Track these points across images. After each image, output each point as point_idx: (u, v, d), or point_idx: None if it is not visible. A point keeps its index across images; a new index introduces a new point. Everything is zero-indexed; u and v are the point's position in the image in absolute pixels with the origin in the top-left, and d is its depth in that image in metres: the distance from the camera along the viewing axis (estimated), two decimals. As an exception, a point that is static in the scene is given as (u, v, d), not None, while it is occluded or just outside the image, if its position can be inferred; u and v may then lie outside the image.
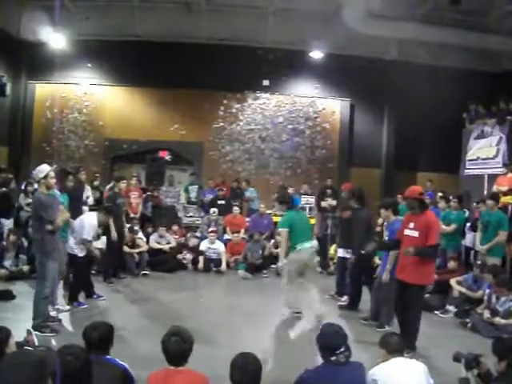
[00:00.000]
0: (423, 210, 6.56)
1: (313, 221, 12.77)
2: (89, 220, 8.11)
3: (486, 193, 11.84)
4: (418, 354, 5.99)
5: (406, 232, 6.57)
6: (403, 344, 4.19)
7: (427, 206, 6.89)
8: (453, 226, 9.94)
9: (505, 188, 10.78)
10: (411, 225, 6.52)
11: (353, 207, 8.72)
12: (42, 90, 15.94)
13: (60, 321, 7.04)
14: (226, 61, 15.00)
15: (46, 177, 6.62)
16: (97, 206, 10.08)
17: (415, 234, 6.42)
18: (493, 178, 11.80)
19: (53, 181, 6.76)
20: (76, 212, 8.64)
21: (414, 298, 6.53)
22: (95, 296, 8.38)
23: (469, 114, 14.27)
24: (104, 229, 9.26)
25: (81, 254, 8.03)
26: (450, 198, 10.66)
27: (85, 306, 7.91)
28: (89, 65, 15.69)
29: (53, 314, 7.06)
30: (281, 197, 8.82)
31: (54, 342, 5.69)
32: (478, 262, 8.85)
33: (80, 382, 2.91)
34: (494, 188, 11.02)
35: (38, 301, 6.64)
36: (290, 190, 13.44)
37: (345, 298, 8.90)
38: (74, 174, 9.73)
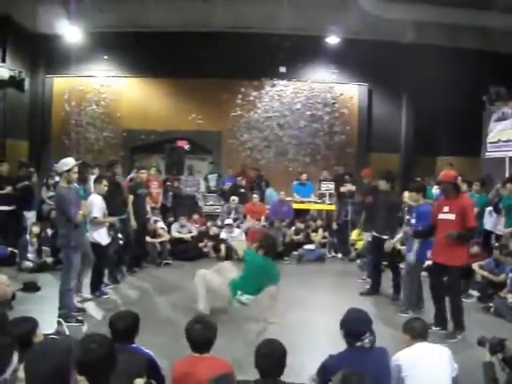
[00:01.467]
0: (457, 194, 6.59)
1: (333, 207, 12.83)
2: (94, 198, 8.04)
3: (507, 175, 11.72)
4: (441, 339, 5.96)
5: (441, 216, 6.62)
6: (427, 329, 4.18)
7: (460, 190, 6.88)
8: (475, 210, 9.81)
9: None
10: (445, 208, 6.57)
11: (382, 190, 8.64)
12: (60, 84, 16.07)
13: (84, 311, 7.13)
14: (242, 49, 14.96)
15: (69, 170, 6.65)
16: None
17: (451, 217, 6.47)
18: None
19: (75, 175, 6.80)
20: (114, 206, 8.71)
21: (454, 279, 6.61)
22: (98, 293, 8.16)
23: (489, 96, 14.07)
24: (122, 222, 9.30)
25: (104, 243, 8.08)
26: (472, 182, 10.57)
27: (107, 296, 8.01)
28: (105, 57, 15.78)
29: (79, 305, 7.15)
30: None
31: (84, 330, 5.76)
32: (496, 244, 8.77)
33: (105, 369, 2.94)
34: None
35: (63, 292, 6.75)
36: (304, 177, 13.54)
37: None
38: (108, 167, 9.71)
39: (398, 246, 8.67)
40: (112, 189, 8.62)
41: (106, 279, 8.66)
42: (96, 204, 7.95)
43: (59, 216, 6.86)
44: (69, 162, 6.73)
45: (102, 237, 8.06)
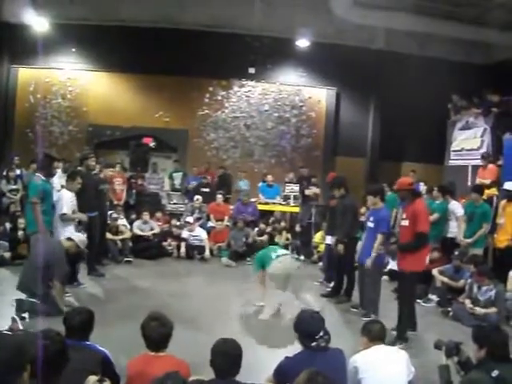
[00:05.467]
0: (413, 200, 6.64)
1: (297, 209, 12.86)
2: (64, 194, 7.89)
3: (470, 183, 11.90)
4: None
5: (402, 223, 6.75)
6: (385, 332, 4.20)
7: (417, 196, 6.93)
8: (435, 216, 9.90)
9: (488, 181, 10.83)
10: (404, 215, 6.69)
11: (336, 196, 8.72)
12: (25, 75, 15.70)
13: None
14: (212, 48, 14.87)
15: None
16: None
17: (406, 223, 6.56)
18: (477, 168, 11.85)
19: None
20: (88, 199, 8.58)
21: (401, 285, 6.73)
22: (76, 283, 8.13)
23: (454, 105, 14.30)
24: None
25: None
26: (434, 188, 10.67)
27: (69, 294, 7.79)
28: (73, 49, 15.48)
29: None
30: None
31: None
32: (456, 253, 8.89)
33: (57, 365, 2.89)
34: (477, 181, 11.07)
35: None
36: (270, 178, 13.57)
37: (333, 283, 9.02)
38: (82, 160, 9.53)
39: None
40: (85, 184, 8.44)
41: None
42: (65, 200, 7.78)
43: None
44: None
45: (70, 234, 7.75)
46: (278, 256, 7.56)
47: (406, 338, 6.41)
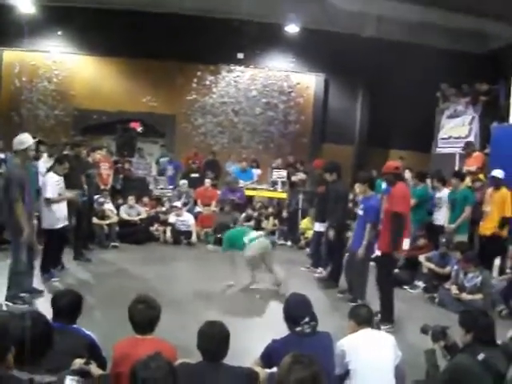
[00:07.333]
0: (395, 183, 6.64)
1: (284, 195, 12.85)
2: (49, 178, 7.74)
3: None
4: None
5: (384, 206, 6.79)
6: (372, 316, 4.20)
7: (401, 179, 6.93)
8: (413, 201, 9.68)
9: (474, 167, 10.85)
10: (387, 199, 6.72)
11: (328, 181, 8.69)
12: (10, 57, 15.53)
13: (41, 292, 6.92)
14: (200, 32, 14.76)
15: (26, 149, 6.36)
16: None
17: (387, 205, 6.62)
18: (464, 156, 11.87)
19: (32, 153, 6.53)
20: (76, 184, 8.55)
21: (380, 267, 6.72)
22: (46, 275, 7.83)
23: (442, 94, 14.32)
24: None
25: (56, 227, 7.73)
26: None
27: (56, 279, 7.74)
28: (59, 33, 15.31)
29: (37, 286, 6.91)
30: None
31: None
32: (443, 240, 8.91)
33: (41, 347, 2.87)
34: (464, 169, 11.09)
35: (13, 273, 6.46)
36: (244, 164, 13.68)
37: (320, 269, 9.10)
38: (73, 146, 9.45)
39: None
40: (73, 168, 8.35)
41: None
42: (50, 184, 7.67)
43: (5, 196, 6.43)
44: (25, 140, 6.37)
45: (53, 221, 7.68)
46: (251, 240, 7.71)
47: (392, 319, 6.45)
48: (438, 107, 14.44)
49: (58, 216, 7.76)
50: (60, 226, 7.80)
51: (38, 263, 7.46)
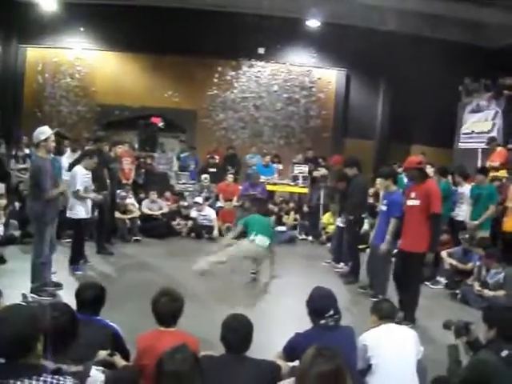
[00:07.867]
0: (423, 179, 6.56)
1: (305, 190, 12.83)
2: (78, 171, 7.86)
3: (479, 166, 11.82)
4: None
5: (409, 202, 6.62)
6: (395, 310, 4.20)
7: (427, 176, 6.87)
8: None
9: (496, 163, 10.74)
10: (412, 194, 6.57)
11: (349, 175, 8.68)
12: (34, 54, 15.73)
13: (61, 285, 6.98)
14: (221, 27, 14.77)
15: (46, 139, 6.44)
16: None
17: (416, 202, 6.46)
18: (487, 152, 11.75)
19: (53, 144, 6.61)
20: (100, 178, 8.64)
21: (411, 267, 6.58)
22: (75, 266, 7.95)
23: (465, 88, 14.18)
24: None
25: (85, 216, 7.88)
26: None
27: (79, 272, 7.83)
28: (81, 29, 15.43)
29: (55, 279, 7.00)
30: None
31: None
32: (466, 236, 8.83)
33: (67, 337, 2.93)
34: (487, 164, 10.98)
35: (36, 265, 6.54)
36: (267, 159, 13.60)
37: (341, 264, 9.12)
38: (95, 141, 9.64)
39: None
40: (97, 163, 8.41)
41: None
42: (79, 177, 7.77)
43: (33, 188, 6.58)
44: (45, 131, 6.49)
45: (80, 212, 7.79)
46: (252, 241, 7.69)
47: (414, 318, 6.40)
48: (461, 102, 14.30)
49: (86, 208, 7.90)
50: (87, 216, 7.96)
51: (58, 257, 7.55)
